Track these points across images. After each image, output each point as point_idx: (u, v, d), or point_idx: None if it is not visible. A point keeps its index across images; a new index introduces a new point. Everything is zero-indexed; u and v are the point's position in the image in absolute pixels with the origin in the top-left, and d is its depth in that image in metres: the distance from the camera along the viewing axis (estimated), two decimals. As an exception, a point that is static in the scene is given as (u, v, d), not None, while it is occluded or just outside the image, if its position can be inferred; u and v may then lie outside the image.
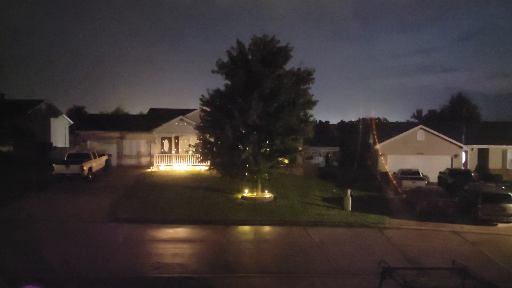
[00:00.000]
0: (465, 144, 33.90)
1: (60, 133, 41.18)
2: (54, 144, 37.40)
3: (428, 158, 33.01)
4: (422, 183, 26.26)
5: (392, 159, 33.65)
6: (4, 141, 30.50)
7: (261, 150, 22.42)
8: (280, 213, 21.07)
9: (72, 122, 42.95)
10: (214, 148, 23.20)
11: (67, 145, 41.31)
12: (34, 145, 32.92)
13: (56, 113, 40.35)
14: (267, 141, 22.67)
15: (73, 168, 25.50)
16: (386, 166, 33.17)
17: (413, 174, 28.17)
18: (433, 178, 30.90)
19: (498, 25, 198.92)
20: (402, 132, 34.24)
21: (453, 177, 27.62)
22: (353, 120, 59.77)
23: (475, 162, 34.93)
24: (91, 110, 50.77)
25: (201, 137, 23.58)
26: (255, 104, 20.80)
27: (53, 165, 25.63)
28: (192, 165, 32.39)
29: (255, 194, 23.60)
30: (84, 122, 39.60)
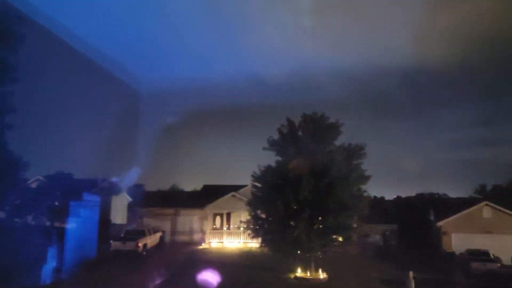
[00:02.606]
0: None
1: (119, 209, 42.93)
2: (113, 221, 38.89)
3: (498, 237, 30.13)
4: (494, 266, 23.78)
5: (456, 238, 31.11)
6: (65, 218, 32.18)
7: (314, 227, 21.82)
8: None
9: (131, 199, 44.86)
10: (265, 225, 22.95)
11: (125, 221, 42.79)
12: (94, 222, 34.38)
13: (117, 191, 42.51)
14: (320, 218, 22.11)
15: (129, 245, 26.19)
16: (451, 246, 30.65)
17: (483, 255, 25.67)
18: (506, 260, 27.91)
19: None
20: (465, 209, 32.00)
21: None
22: (410, 195, 56.96)
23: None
24: (150, 187, 52.93)
25: (252, 213, 23.54)
26: (306, 180, 20.78)
27: (111, 241, 26.53)
28: (243, 242, 31.99)
29: (308, 274, 22.52)
30: (142, 199, 41.23)
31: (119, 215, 42.50)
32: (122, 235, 28.02)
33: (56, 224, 25.69)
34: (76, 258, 24.58)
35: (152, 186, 54.28)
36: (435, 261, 29.19)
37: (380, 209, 48.14)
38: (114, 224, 37.84)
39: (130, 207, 43.86)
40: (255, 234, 23.45)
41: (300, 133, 23.07)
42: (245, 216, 27.38)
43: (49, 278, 20.15)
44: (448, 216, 32.13)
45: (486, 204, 31.94)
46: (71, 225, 26.89)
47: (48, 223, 25.29)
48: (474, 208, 31.92)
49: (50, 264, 20.85)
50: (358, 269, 25.30)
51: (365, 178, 22.93)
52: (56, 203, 27.99)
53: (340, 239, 22.67)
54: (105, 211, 39.21)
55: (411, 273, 20.94)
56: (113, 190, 41.71)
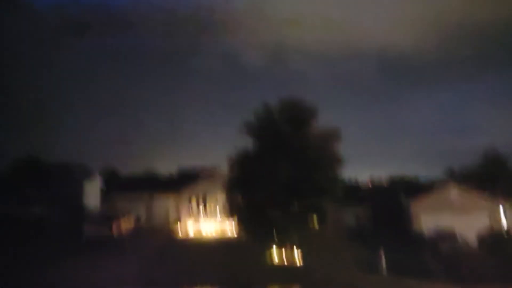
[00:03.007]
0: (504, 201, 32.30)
1: (93, 195, 42.07)
2: (86, 206, 38.14)
3: (465, 218, 31.42)
4: (459, 245, 24.88)
5: (426, 218, 32.23)
6: (37, 204, 31.38)
7: (290, 210, 22.09)
8: (311, 275, 20.24)
9: (104, 184, 43.98)
10: (242, 209, 23.04)
11: (99, 206, 42.02)
12: (67, 207, 33.68)
13: (89, 176, 41.56)
14: (296, 201, 22.38)
15: (103, 230, 25.86)
16: (421, 227, 31.75)
17: (449, 235, 26.80)
18: (472, 238, 29.21)
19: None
20: (434, 190, 33.16)
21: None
22: (383, 178, 58.50)
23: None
24: (123, 171, 52.17)
25: (229, 198, 23.58)
26: (282, 164, 20.90)
27: (84, 227, 26.11)
28: (220, 226, 32.09)
29: (285, 257, 22.88)
30: (115, 184, 40.56)
31: (92, 200, 41.68)
32: (95, 220, 27.61)
33: (27, 211, 25.05)
34: (48, 245, 24.11)
35: (125, 170, 53.47)
36: (405, 242, 30.22)
37: (354, 191, 49.27)
38: (88, 209, 37.14)
39: (104, 192, 43.09)
40: (232, 217, 23.56)
41: (276, 117, 23.04)
42: (221, 200, 27.45)
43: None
44: (418, 198, 33.19)
45: (454, 186, 33.17)
46: (41, 212, 26.33)
47: (18, 211, 24.61)
48: (442, 189, 33.10)
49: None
50: (332, 250, 25.90)
51: (340, 161, 23.23)
52: (28, 190, 27.28)
53: (316, 221, 23.06)
54: (78, 196, 38.43)
55: (382, 253, 21.67)
56: (84, 174, 40.80)
